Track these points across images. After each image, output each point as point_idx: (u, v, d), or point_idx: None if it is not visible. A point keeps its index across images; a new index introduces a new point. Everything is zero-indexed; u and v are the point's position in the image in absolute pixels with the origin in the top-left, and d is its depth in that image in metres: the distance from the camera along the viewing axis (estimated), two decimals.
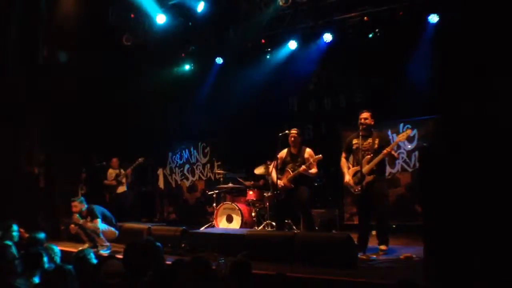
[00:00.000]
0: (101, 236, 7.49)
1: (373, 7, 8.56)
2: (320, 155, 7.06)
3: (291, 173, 7.14)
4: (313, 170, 7.11)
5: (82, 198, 8.04)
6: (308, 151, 7.23)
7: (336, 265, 5.40)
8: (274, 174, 7.28)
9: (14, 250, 3.84)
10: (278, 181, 7.13)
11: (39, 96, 10.91)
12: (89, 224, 7.57)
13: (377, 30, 8.81)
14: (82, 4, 10.26)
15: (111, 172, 10.35)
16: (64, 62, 11.15)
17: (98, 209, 7.80)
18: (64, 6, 10.44)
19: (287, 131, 7.29)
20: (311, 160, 7.06)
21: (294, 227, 8.01)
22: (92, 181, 11.49)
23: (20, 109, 10.67)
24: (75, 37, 10.52)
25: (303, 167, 7.01)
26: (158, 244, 4.25)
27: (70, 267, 3.86)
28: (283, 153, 7.35)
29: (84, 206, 7.78)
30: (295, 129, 7.31)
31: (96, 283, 3.77)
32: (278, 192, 7.22)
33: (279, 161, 7.26)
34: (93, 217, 7.62)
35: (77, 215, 7.67)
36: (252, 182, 9.25)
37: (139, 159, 10.16)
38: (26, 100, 10.73)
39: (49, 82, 10.80)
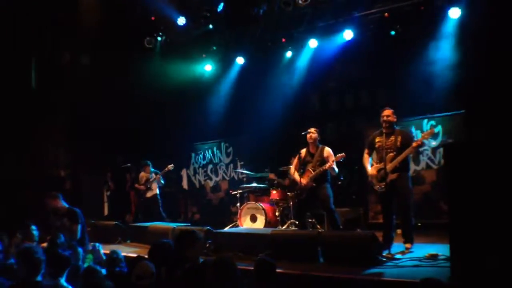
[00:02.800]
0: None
1: (393, 3, 8.47)
2: (343, 153, 7.04)
3: (312, 172, 7.14)
4: (336, 169, 7.13)
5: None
6: (327, 150, 7.22)
7: (361, 264, 5.38)
8: (296, 174, 7.31)
9: (40, 252, 3.89)
10: (301, 180, 7.16)
11: (63, 98, 11.12)
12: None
13: (398, 25, 8.71)
14: (104, 7, 10.42)
15: (143, 176, 10.25)
16: (86, 64, 11.33)
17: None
18: (86, 9, 10.60)
19: (309, 130, 7.30)
20: (333, 158, 7.05)
21: (318, 226, 8.01)
22: (118, 179, 11.67)
23: (44, 112, 10.88)
24: (98, 39, 10.68)
25: (328, 164, 7.00)
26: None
27: (100, 268, 3.94)
28: (303, 152, 7.38)
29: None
30: (313, 128, 7.33)
31: (128, 284, 3.83)
32: (299, 191, 7.24)
33: (299, 160, 7.28)
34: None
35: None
36: (275, 176, 9.30)
37: (169, 166, 10.09)
38: (50, 102, 10.93)
39: (73, 84, 10.99)
